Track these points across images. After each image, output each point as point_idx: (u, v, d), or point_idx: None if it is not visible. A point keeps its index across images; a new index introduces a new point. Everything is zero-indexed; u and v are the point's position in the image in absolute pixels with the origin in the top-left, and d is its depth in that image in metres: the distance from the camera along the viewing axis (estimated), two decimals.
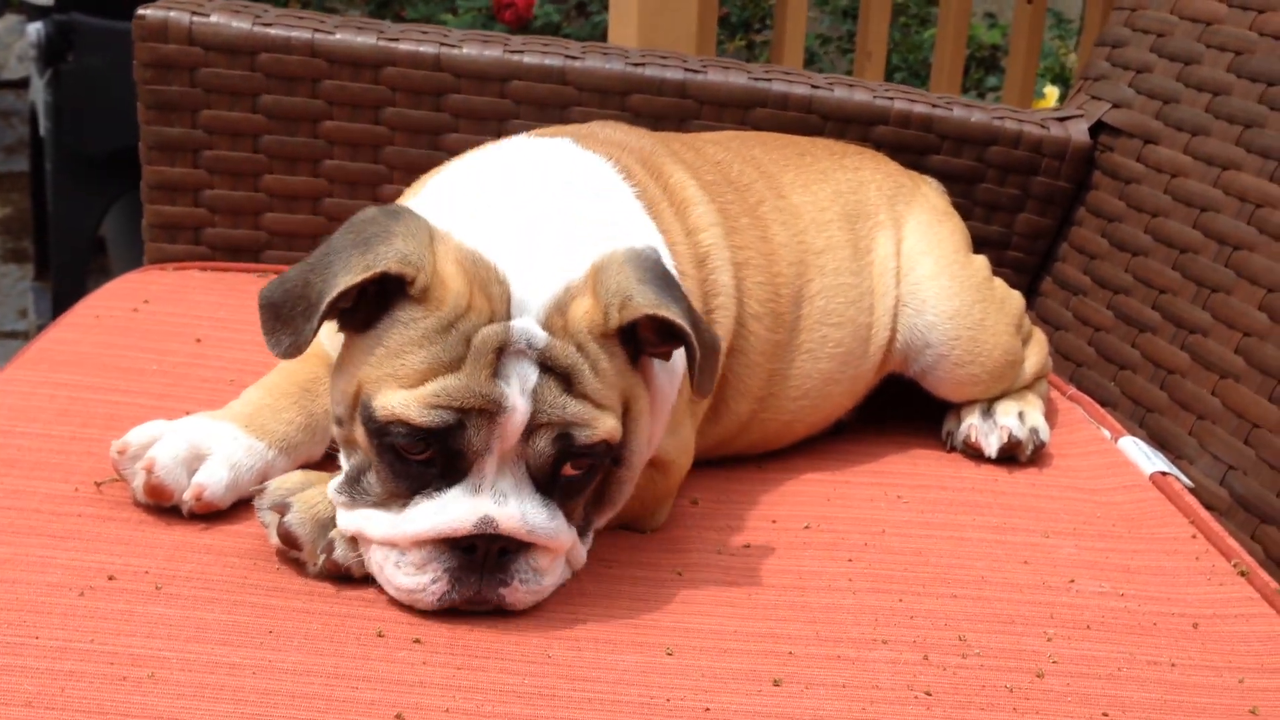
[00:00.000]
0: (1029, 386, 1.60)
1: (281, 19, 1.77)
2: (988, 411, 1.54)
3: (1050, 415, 1.60)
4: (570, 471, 1.07)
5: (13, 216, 4.10)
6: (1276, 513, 1.42)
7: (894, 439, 1.56)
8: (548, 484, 1.06)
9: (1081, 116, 1.91)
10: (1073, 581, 1.24)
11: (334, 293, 1.02)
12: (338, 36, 1.76)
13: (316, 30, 1.76)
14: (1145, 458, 1.52)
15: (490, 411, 1.02)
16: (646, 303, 1.06)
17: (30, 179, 3.51)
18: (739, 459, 1.45)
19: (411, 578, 1.05)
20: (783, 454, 1.48)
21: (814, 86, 1.82)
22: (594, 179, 1.26)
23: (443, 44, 1.78)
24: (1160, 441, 1.61)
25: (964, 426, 1.54)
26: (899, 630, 1.13)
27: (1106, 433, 1.60)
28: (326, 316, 1.04)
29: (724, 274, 1.33)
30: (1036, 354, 1.61)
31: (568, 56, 1.79)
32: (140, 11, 1.74)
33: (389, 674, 0.99)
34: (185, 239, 1.82)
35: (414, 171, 1.79)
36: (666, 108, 1.80)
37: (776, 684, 1.04)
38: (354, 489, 1.08)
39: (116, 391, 1.37)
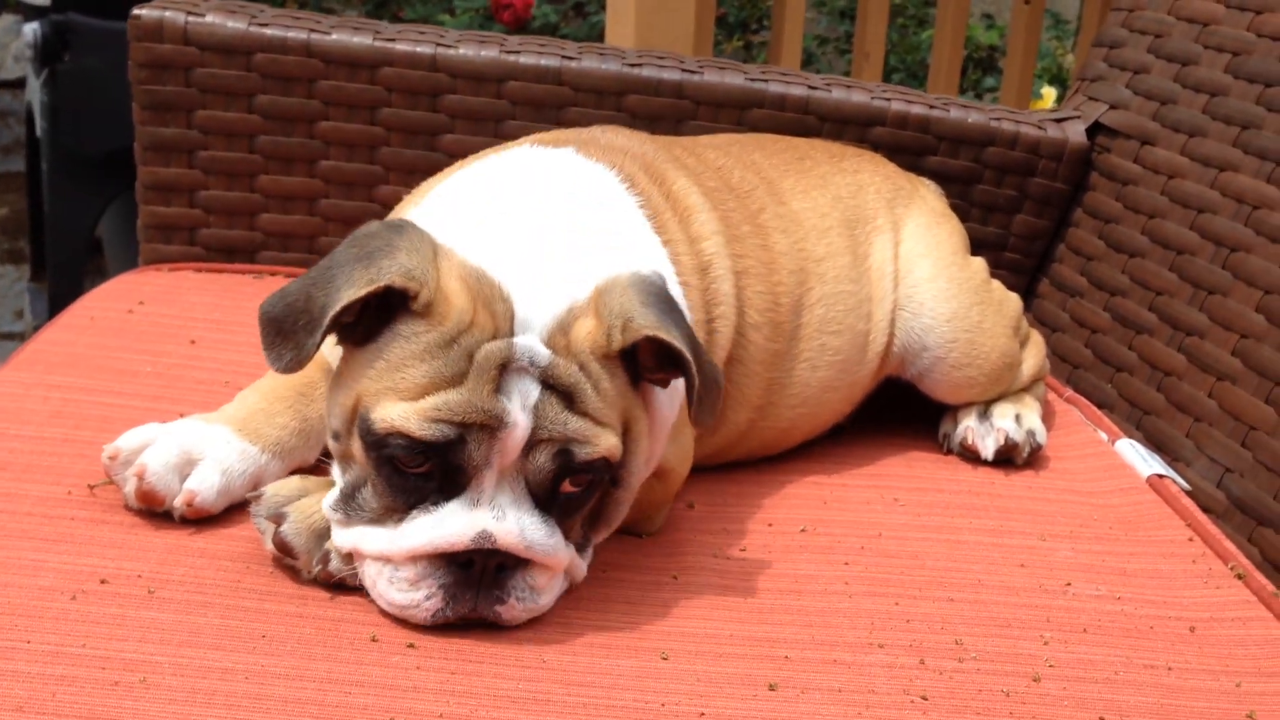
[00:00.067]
0: (1026, 389, 1.60)
1: (277, 19, 1.77)
2: (984, 414, 1.54)
3: (1047, 417, 1.60)
4: (569, 488, 1.06)
5: (9, 217, 4.09)
6: (1273, 515, 1.42)
7: (891, 441, 1.56)
8: (547, 500, 1.06)
9: (1079, 117, 1.91)
10: (1069, 585, 1.24)
11: (338, 306, 1.01)
12: (334, 37, 1.76)
13: (312, 30, 1.76)
14: (1142, 460, 1.52)
15: (491, 427, 1.02)
16: (648, 324, 1.05)
17: (26, 179, 3.50)
18: (735, 463, 1.44)
19: (405, 594, 1.04)
20: (779, 457, 1.48)
21: (811, 87, 1.82)
22: (597, 189, 1.26)
23: (439, 44, 1.77)
24: (1157, 444, 1.61)
25: (961, 429, 1.53)
26: (895, 634, 1.13)
27: (1103, 435, 1.60)
28: (329, 330, 1.03)
29: (725, 283, 1.33)
30: (1034, 356, 1.61)
31: (564, 57, 1.79)
32: (135, 11, 1.73)
33: (382, 679, 0.98)
34: (180, 240, 1.82)
35: (410, 172, 1.80)
36: (663, 108, 1.80)
37: (772, 688, 1.03)
38: (349, 505, 1.07)
39: (110, 393, 1.37)
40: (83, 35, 3.00)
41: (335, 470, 1.11)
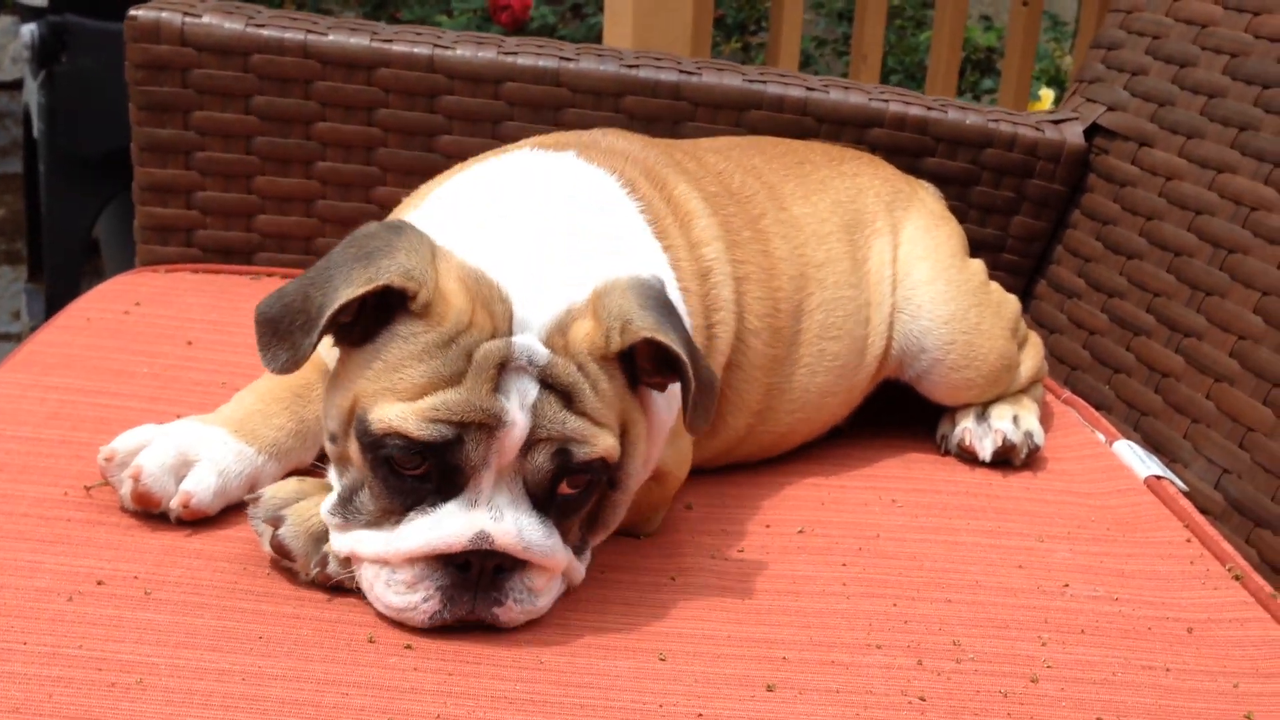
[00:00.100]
0: (1024, 390, 1.60)
1: (274, 20, 1.76)
2: (982, 415, 1.54)
3: (1045, 419, 1.60)
4: (567, 490, 1.06)
5: (6, 218, 4.09)
6: (1271, 516, 1.42)
7: (888, 443, 1.56)
8: (545, 501, 1.06)
9: (1076, 119, 1.91)
10: (1067, 586, 1.24)
11: (335, 305, 1.01)
12: (331, 38, 1.75)
13: (309, 31, 1.75)
14: (1140, 461, 1.52)
15: (490, 426, 1.02)
16: (646, 327, 1.05)
17: (24, 180, 3.50)
18: (733, 465, 1.44)
19: (402, 596, 1.04)
20: (777, 459, 1.47)
21: (809, 89, 1.82)
22: (598, 193, 1.26)
23: (436, 45, 1.77)
24: (1155, 445, 1.61)
25: (958, 430, 1.53)
26: (893, 635, 1.13)
27: (1101, 436, 1.60)
28: (326, 330, 1.03)
29: (725, 288, 1.33)
30: (1032, 358, 1.61)
31: (562, 58, 1.79)
32: (132, 12, 1.73)
33: (380, 680, 0.98)
34: (177, 241, 1.81)
35: (407, 173, 1.79)
36: (661, 110, 1.80)
37: (770, 689, 1.03)
38: (347, 509, 1.06)
39: (107, 394, 1.37)
40: (80, 36, 3.00)
41: (332, 473, 1.11)
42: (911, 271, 1.53)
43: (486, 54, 1.78)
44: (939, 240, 1.57)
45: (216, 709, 0.93)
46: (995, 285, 1.61)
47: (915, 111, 1.83)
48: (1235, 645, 1.17)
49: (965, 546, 1.31)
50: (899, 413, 1.59)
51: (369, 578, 1.05)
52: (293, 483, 1.13)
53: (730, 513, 1.33)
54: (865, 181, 1.59)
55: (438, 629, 1.05)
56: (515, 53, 1.78)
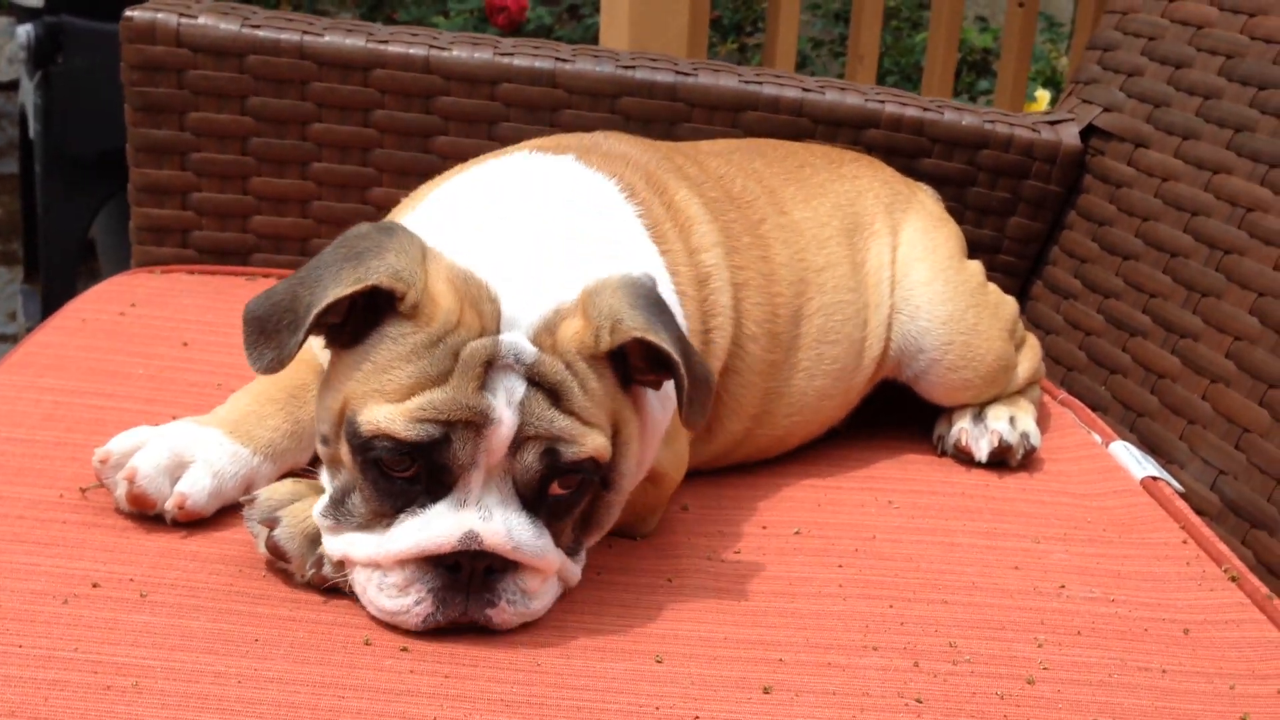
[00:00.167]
0: (1021, 391, 1.60)
1: (270, 21, 1.76)
2: (979, 416, 1.54)
3: (1041, 420, 1.60)
4: (558, 490, 1.06)
5: (2, 219, 4.08)
6: (1267, 518, 1.42)
7: (885, 444, 1.56)
8: (535, 501, 1.05)
9: (1072, 120, 1.91)
10: (1063, 587, 1.24)
11: (323, 304, 1.00)
12: (327, 39, 1.75)
13: (305, 32, 1.75)
14: (1136, 462, 1.52)
15: (477, 424, 1.01)
16: (636, 326, 1.05)
17: (20, 181, 3.50)
18: (730, 466, 1.44)
19: (394, 599, 1.03)
20: (774, 460, 1.47)
21: (805, 90, 1.82)
22: (596, 198, 1.25)
23: (432, 46, 1.77)
24: (1151, 446, 1.61)
25: (955, 430, 1.53)
26: (889, 637, 1.13)
27: (1097, 437, 1.60)
28: (313, 330, 1.02)
29: (724, 295, 1.33)
30: (1029, 359, 1.61)
31: (558, 59, 1.79)
32: (128, 13, 1.73)
33: (376, 683, 0.98)
34: (173, 242, 1.81)
35: (403, 175, 1.79)
36: (657, 111, 1.80)
37: (766, 691, 1.03)
38: (339, 511, 1.06)
39: (102, 396, 1.36)
40: (76, 37, 3.00)
41: (324, 475, 1.11)
42: (910, 272, 1.53)
43: (482, 55, 1.77)
44: (937, 241, 1.58)
45: (212, 712, 0.92)
46: (993, 286, 1.61)
47: (911, 113, 1.83)
48: (1232, 646, 1.17)
49: (962, 548, 1.31)
50: (896, 413, 1.59)
51: (361, 581, 1.05)
52: (288, 484, 1.13)
53: (727, 514, 1.33)
54: (865, 184, 1.59)
55: (433, 631, 1.04)
56: (511, 54, 1.78)
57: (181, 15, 1.73)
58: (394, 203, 1.40)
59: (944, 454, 1.55)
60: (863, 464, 1.50)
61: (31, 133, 3.13)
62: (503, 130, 1.78)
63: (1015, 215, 1.92)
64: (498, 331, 1.04)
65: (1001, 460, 1.51)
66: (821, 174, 1.57)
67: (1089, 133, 1.90)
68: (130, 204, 1.80)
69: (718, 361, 1.33)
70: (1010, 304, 1.62)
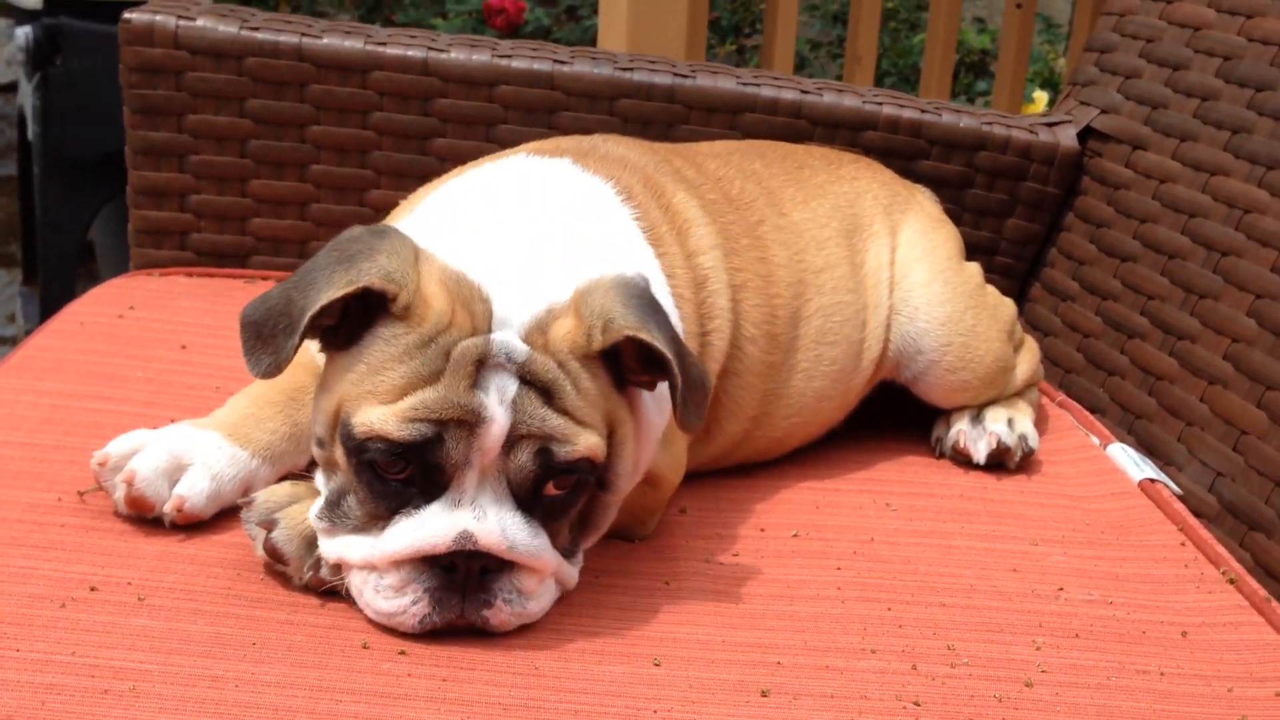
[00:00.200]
0: (1019, 394, 1.60)
1: (269, 23, 1.76)
2: (977, 418, 1.54)
3: (1039, 422, 1.60)
4: (553, 491, 1.06)
5: (1, 221, 4.08)
6: (1265, 520, 1.42)
7: (883, 445, 1.56)
8: (530, 501, 1.05)
9: (1070, 122, 1.91)
10: (1061, 590, 1.24)
11: (316, 306, 1.01)
12: (325, 41, 1.75)
13: (304, 35, 1.75)
14: (1134, 464, 1.52)
15: (469, 423, 1.02)
16: (629, 325, 1.05)
17: (18, 183, 3.50)
18: (729, 468, 1.44)
19: (391, 601, 1.03)
20: (772, 462, 1.47)
21: (803, 91, 1.82)
22: (593, 201, 1.25)
23: (430, 48, 1.77)
24: (1149, 448, 1.61)
25: (953, 432, 1.53)
26: (887, 639, 1.13)
27: (1095, 439, 1.60)
28: (308, 333, 1.03)
29: (721, 297, 1.33)
30: (1028, 361, 1.61)
31: (556, 61, 1.79)
32: (126, 15, 1.73)
33: (374, 686, 0.98)
34: (171, 244, 1.81)
35: (402, 177, 1.79)
36: (655, 113, 1.80)
37: (764, 694, 1.03)
38: (334, 513, 1.06)
39: (100, 399, 1.36)
40: (74, 39, 3.00)
41: (319, 478, 1.11)
42: (909, 274, 1.53)
43: (481, 57, 1.77)
44: (936, 243, 1.58)
45: (210, 716, 0.92)
46: (991, 288, 1.61)
47: (909, 114, 1.84)
48: (1230, 649, 1.17)
49: (960, 550, 1.31)
50: (894, 416, 1.59)
51: (358, 584, 1.05)
52: (286, 486, 1.13)
53: (725, 516, 1.33)
54: (863, 185, 1.60)
55: (431, 634, 1.04)
56: (509, 56, 1.78)
57: (180, 17, 1.73)
58: (392, 205, 1.40)
59: (942, 456, 1.55)
60: (861, 466, 1.50)
61: (30, 134, 3.13)
62: (501, 132, 1.78)
63: (1013, 217, 1.92)
64: (489, 331, 1.05)
65: (1000, 462, 1.51)
66: (820, 175, 1.57)
67: (1087, 134, 1.90)
68: (129, 206, 1.80)
69: (716, 364, 1.33)
70: (1008, 306, 1.62)
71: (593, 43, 3.72)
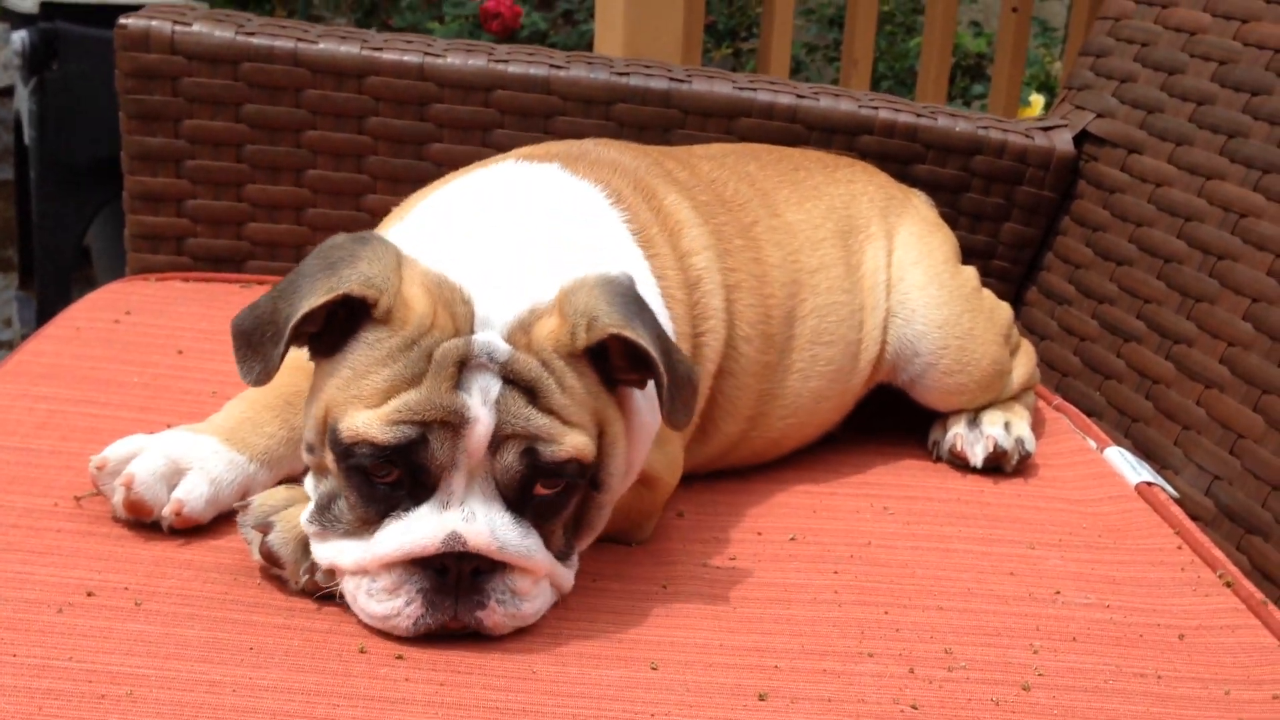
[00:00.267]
0: (1016, 397, 1.60)
1: (265, 28, 1.76)
2: (974, 421, 1.54)
3: (1036, 425, 1.60)
4: (542, 491, 1.06)
5: None
6: (1262, 523, 1.42)
7: (880, 449, 1.56)
8: (519, 502, 1.05)
9: (1066, 126, 1.92)
10: (1058, 593, 1.24)
11: (298, 315, 1.02)
12: (321, 46, 1.75)
13: (299, 40, 1.75)
14: (1131, 468, 1.52)
15: (453, 424, 1.02)
16: (613, 323, 1.05)
17: (15, 187, 3.50)
18: (725, 471, 1.44)
19: (384, 604, 1.04)
20: (769, 465, 1.47)
21: (799, 96, 1.82)
22: (581, 205, 1.26)
23: (427, 53, 1.77)
24: (1146, 451, 1.61)
25: (950, 436, 1.53)
26: (885, 643, 1.13)
27: (1092, 443, 1.60)
28: (292, 341, 1.03)
29: (715, 297, 1.33)
30: (1024, 365, 1.61)
31: (552, 66, 1.79)
32: (122, 21, 1.73)
33: (371, 691, 0.98)
34: (168, 249, 1.81)
35: (398, 181, 1.79)
36: (651, 117, 1.80)
37: (762, 698, 1.03)
38: (324, 517, 1.07)
39: (97, 404, 1.36)
40: (71, 43, 3.00)
41: (309, 482, 1.11)
42: (905, 276, 1.54)
43: (477, 62, 1.78)
44: (933, 246, 1.58)
45: None
46: (988, 292, 1.62)
47: (905, 118, 1.84)
48: (1227, 652, 1.17)
49: (957, 554, 1.31)
50: (891, 419, 1.59)
51: (351, 589, 1.05)
52: (282, 490, 1.13)
53: (722, 520, 1.33)
54: (859, 188, 1.60)
55: (427, 638, 1.04)
56: (506, 60, 1.78)
57: (176, 23, 1.73)
58: (388, 209, 1.40)
59: (939, 459, 1.55)
60: (858, 470, 1.50)
61: (26, 139, 3.13)
62: (497, 137, 1.79)
63: (1009, 221, 1.93)
64: (471, 332, 1.05)
65: (996, 466, 1.51)
66: (816, 177, 1.58)
67: (1082, 138, 1.90)
68: (125, 211, 1.80)
69: (711, 364, 1.33)
70: (1005, 309, 1.62)
71: (589, 47, 3.73)
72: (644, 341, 1.05)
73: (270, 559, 1.08)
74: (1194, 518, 1.44)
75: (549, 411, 1.05)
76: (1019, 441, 1.51)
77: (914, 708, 1.04)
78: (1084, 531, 1.38)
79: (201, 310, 1.65)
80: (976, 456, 1.51)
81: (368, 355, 1.04)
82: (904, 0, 4.78)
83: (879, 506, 1.40)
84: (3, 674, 0.94)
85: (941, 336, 1.51)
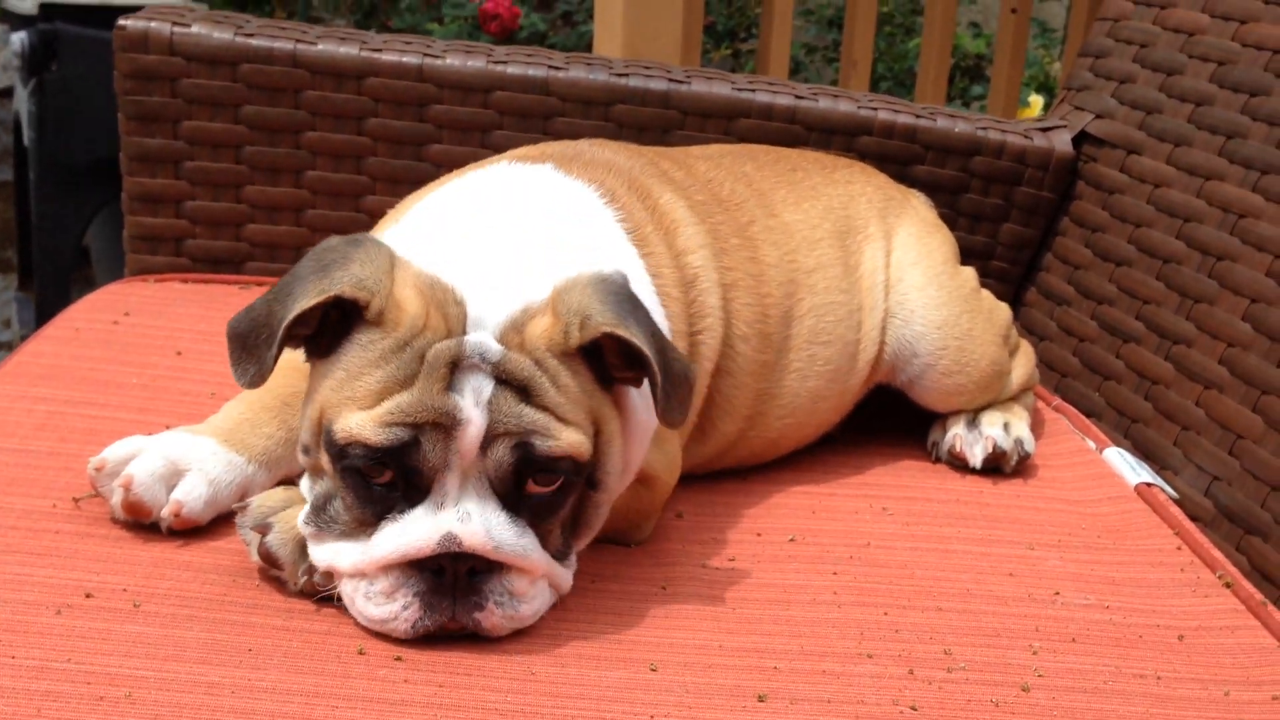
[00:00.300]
0: (1015, 398, 1.60)
1: (264, 29, 1.76)
2: (973, 422, 1.54)
3: (1035, 426, 1.60)
4: (536, 489, 1.06)
5: None
6: (1261, 524, 1.42)
7: (879, 450, 1.56)
8: (513, 500, 1.05)
9: (1065, 127, 1.92)
10: (1058, 594, 1.24)
11: (291, 316, 1.02)
12: (320, 47, 1.75)
13: (299, 41, 1.75)
14: (1130, 469, 1.52)
15: (445, 425, 1.02)
16: (606, 321, 1.05)
17: (14, 188, 3.50)
18: (724, 472, 1.44)
19: (382, 607, 1.04)
20: (768, 466, 1.47)
21: (798, 97, 1.82)
22: (575, 205, 1.26)
23: (426, 54, 1.77)
24: (1145, 452, 1.61)
25: (949, 437, 1.53)
26: (884, 644, 1.13)
27: (1091, 444, 1.60)
28: (285, 343, 1.04)
29: (711, 296, 1.33)
30: (1023, 365, 1.61)
31: (551, 67, 1.79)
32: (121, 22, 1.73)
33: (370, 693, 0.98)
34: (167, 250, 1.81)
35: (397, 182, 1.79)
36: (650, 118, 1.80)
37: (761, 699, 1.03)
38: (320, 518, 1.07)
39: (95, 405, 1.36)
40: (70, 44, 3.00)
41: (304, 483, 1.11)
42: (904, 277, 1.54)
43: (476, 63, 1.78)
44: (931, 247, 1.58)
45: None
46: (987, 293, 1.62)
47: (904, 119, 1.84)
48: (1226, 653, 1.17)
49: (956, 554, 1.31)
50: (890, 420, 1.59)
51: (349, 592, 1.05)
52: (280, 491, 1.14)
53: (721, 521, 1.33)
54: (858, 189, 1.60)
55: (425, 639, 1.04)
56: (505, 62, 1.78)
57: (175, 24, 1.73)
58: (387, 210, 1.40)
59: (938, 460, 1.55)
60: (857, 470, 1.50)
61: (26, 140, 3.13)
62: (496, 138, 1.79)
63: (1008, 222, 1.93)
64: (464, 333, 1.05)
65: (996, 467, 1.51)
66: (814, 178, 1.58)
67: (1081, 139, 1.90)
68: (124, 212, 1.80)
69: (709, 363, 1.33)
70: (1004, 310, 1.62)
71: (588, 48, 3.73)
72: (637, 339, 1.05)
73: (269, 560, 1.08)
74: (1193, 518, 1.44)
75: (543, 409, 1.05)
76: (1018, 442, 1.51)
77: (913, 709, 1.04)
78: (1083, 532, 1.38)
79: (200, 311, 1.65)
80: (975, 457, 1.51)
81: (361, 357, 1.05)
82: (903, 1, 4.78)
83: (878, 507, 1.40)
84: (1, 676, 0.94)
85: (940, 337, 1.51)
